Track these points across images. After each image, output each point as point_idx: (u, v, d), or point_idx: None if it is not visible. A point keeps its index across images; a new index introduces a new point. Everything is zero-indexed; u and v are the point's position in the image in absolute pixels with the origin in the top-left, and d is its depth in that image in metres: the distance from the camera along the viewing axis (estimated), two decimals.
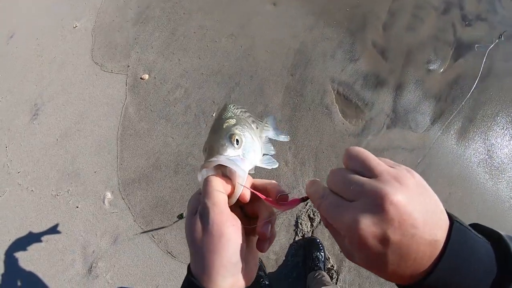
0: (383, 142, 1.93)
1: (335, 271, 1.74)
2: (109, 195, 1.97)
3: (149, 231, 1.85)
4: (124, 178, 1.95)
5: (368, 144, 1.92)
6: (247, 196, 0.37)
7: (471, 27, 2.31)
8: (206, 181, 0.35)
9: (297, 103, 1.92)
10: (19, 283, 1.97)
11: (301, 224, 1.78)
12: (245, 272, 0.35)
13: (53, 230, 2.03)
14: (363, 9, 2.22)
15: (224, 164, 0.36)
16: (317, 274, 1.69)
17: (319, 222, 1.81)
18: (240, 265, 0.34)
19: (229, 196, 0.36)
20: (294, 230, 1.78)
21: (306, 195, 0.37)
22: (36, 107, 2.28)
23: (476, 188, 1.82)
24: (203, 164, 0.36)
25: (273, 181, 0.40)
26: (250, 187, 0.38)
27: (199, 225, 0.34)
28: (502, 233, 0.32)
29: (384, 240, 0.28)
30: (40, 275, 1.97)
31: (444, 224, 0.30)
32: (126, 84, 2.12)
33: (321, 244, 1.74)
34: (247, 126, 0.42)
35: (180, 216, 1.82)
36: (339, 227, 0.31)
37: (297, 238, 1.78)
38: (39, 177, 2.14)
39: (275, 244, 1.78)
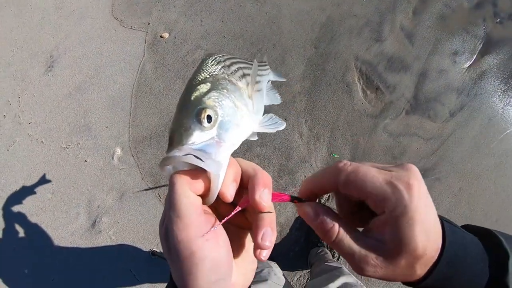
0: (400, 127, 1.90)
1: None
2: (118, 151, 1.96)
3: (155, 187, 1.84)
4: (136, 135, 1.93)
5: (385, 127, 1.88)
6: (228, 194, 0.28)
7: (502, 25, 2.23)
8: (170, 184, 0.27)
9: (318, 76, 1.87)
10: (21, 234, 1.99)
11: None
12: (237, 280, 0.29)
13: (60, 182, 2.03)
14: None
15: (186, 161, 0.26)
16: (320, 250, 1.68)
17: (327, 199, 1.79)
18: (227, 279, 0.28)
19: (204, 196, 0.28)
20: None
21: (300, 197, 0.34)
22: (52, 59, 2.25)
23: (487, 188, 1.79)
24: (161, 161, 0.27)
25: (258, 167, 0.31)
26: (238, 177, 0.29)
27: (164, 243, 0.27)
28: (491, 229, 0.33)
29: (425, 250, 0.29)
30: (43, 226, 1.99)
31: (439, 226, 0.31)
32: (145, 42, 2.08)
33: None
34: (228, 88, 0.29)
35: None
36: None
37: None
38: (49, 128, 2.13)
39: (280, 216, 1.77)
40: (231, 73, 0.32)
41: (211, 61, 0.32)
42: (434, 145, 1.88)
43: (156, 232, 1.81)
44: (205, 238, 0.26)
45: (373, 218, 0.31)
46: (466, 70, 2.06)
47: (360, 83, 1.92)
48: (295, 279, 1.72)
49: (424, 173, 1.80)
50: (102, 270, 1.83)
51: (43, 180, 2.06)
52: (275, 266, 1.35)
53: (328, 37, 1.95)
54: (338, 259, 1.74)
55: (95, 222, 1.93)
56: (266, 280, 1.19)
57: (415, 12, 2.15)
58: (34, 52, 2.31)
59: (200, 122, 0.26)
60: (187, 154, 0.26)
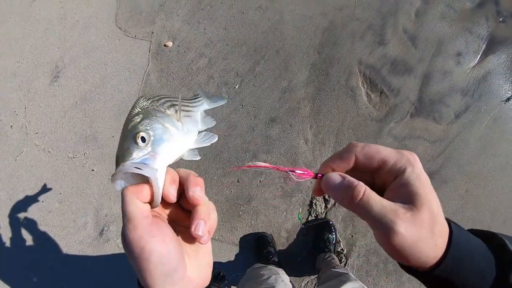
0: (405, 130, 1.89)
1: (344, 255, 1.73)
2: None
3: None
4: None
5: (390, 131, 1.88)
6: (170, 195, 0.33)
7: (505, 24, 2.22)
8: (121, 197, 0.32)
9: (321, 82, 1.88)
10: (30, 242, 2.01)
11: (315, 204, 1.76)
12: (192, 274, 0.34)
13: (68, 191, 2.05)
14: None
15: (129, 171, 0.31)
16: (327, 256, 1.68)
17: (334, 205, 1.79)
18: (179, 271, 0.32)
19: (151, 202, 0.32)
20: (308, 210, 1.77)
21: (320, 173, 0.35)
22: (57, 69, 2.28)
23: (494, 189, 1.78)
24: (111, 177, 0.33)
25: (191, 172, 0.35)
26: (176, 179, 0.34)
27: (124, 248, 0.32)
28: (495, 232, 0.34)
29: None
30: (51, 235, 2.01)
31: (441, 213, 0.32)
32: (149, 51, 2.09)
33: (333, 226, 1.73)
34: (158, 116, 0.36)
35: None
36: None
37: (310, 219, 1.77)
38: (56, 138, 2.15)
39: (287, 222, 1.78)
40: (159, 104, 0.39)
41: (141, 100, 0.39)
42: (439, 148, 1.87)
43: None
44: (151, 235, 0.30)
45: (388, 188, 0.33)
46: (470, 70, 2.05)
47: (364, 87, 1.92)
48: (302, 285, 1.72)
49: (430, 176, 1.78)
50: (110, 278, 1.84)
51: (51, 190, 2.08)
52: (282, 273, 1.36)
53: (331, 42, 1.95)
54: (345, 265, 1.74)
55: (103, 231, 1.94)
56: (273, 287, 1.20)
57: (418, 14, 2.14)
58: (39, 63, 2.34)
59: (136, 143, 0.33)
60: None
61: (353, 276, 1.28)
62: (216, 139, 0.41)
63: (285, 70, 1.89)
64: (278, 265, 1.62)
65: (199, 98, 0.49)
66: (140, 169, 0.31)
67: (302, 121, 1.83)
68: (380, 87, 1.94)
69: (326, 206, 1.79)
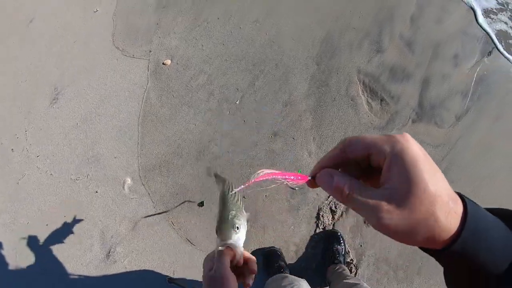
0: None
1: (354, 265, 1.72)
2: (129, 180, 1.96)
3: (160, 213, 1.84)
4: (145, 164, 1.94)
5: None
6: (241, 261, 0.60)
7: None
8: (219, 252, 0.57)
9: (322, 93, 1.88)
10: (35, 267, 1.98)
11: (322, 216, 1.76)
12: None
13: (72, 214, 2.03)
14: (391, 0, 2.17)
15: (227, 244, 0.58)
16: (337, 267, 1.67)
17: (341, 215, 1.78)
18: None
19: (232, 260, 0.58)
20: (315, 222, 1.76)
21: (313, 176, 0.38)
22: (56, 91, 2.28)
23: (499, 188, 1.78)
24: (219, 244, 0.59)
25: (253, 257, 0.63)
26: (243, 255, 0.61)
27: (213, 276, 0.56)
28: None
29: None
30: (57, 258, 1.99)
31: (447, 185, 0.31)
32: (148, 69, 2.09)
33: (342, 237, 1.72)
34: (242, 214, 0.63)
35: (201, 204, 1.80)
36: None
37: (318, 231, 1.76)
38: (58, 161, 2.14)
39: (295, 235, 1.77)
40: (237, 200, 0.65)
41: (230, 197, 0.65)
42: (443, 151, 1.88)
43: (172, 259, 1.81)
44: (231, 274, 0.57)
45: (382, 171, 0.32)
46: (469, 71, 2.06)
47: (364, 96, 1.92)
48: None
49: None
50: None
51: (54, 213, 2.06)
52: (303, 282, 1.35)
53: (329, 52, 1.95)
54: (355, 275, 1.73)
55: (109, 252, 1.92)
56: None
57: (413, 19, 2.16)
58: (38, 85, 2.34)
59: (234, 230, 0.59)
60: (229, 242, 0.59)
61: (365, 284, 1.27)
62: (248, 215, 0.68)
63: (285, 83, 1.89)
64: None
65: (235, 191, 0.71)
66: (238, 244, 0.58)
67: (304, 133, 1.82)
68: (380, 94, 1.94)
69: (333, 217, 1.78)
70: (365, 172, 0.36)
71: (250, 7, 2.17)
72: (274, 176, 0.38)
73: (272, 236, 1.75)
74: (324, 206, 1.78)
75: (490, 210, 0.33)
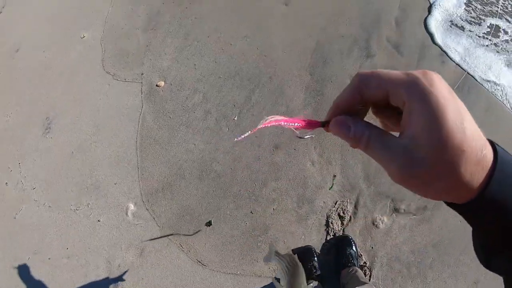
0: None
1: (367, 268, 1.73)
2: (132, 206, 1.93)
3: (168, 235, 1.81)
4: (147, 188, 1.91)
5: None
6: None
7: None
8: None
9: (318, 102, 1.90)
10: None
11: (331, 223, 1.77)
12: None
13: (75, 245, 1.98)
14: (375, 5, 2.23)
15: None
16: (351, 270, 1.68)
17: (349, 220, 1.79)
18: None
19: None
20: (325, 229, 1.76)
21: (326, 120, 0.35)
22: (48, 121, 2.23)
23: None
24: None
25: None
26: None
27: None
28: None
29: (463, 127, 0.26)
30: None
31: (479, 131, 0.27)
32: (142, 92, 2.08)
33: (353, 240, 1.73)
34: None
35: (208, 224, 1.79)
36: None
37: (328, 238, 1.77)
38: (56, 192, 2.09)
39: (307, 243, 1.77)
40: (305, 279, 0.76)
41: (301, 270, 0.71)
42: None
43: (184, 283, 1.78)
44: None
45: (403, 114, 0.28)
46: (455, 67, 2.13)
47: None
48: None
49: None
50: None
51: (56, 245, 2.00)
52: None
53: (320, 61, 1.99)
54: (370, 277, 1.74)
55: (117, 282, 1.87)
56: None
57: (397, 22, 2.22)
58: (29, 115, 2.29)
59: None
60: None
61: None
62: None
63: (281, 95, 1.91)
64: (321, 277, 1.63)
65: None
66: None
67: (305, 144, 1.84)
68: None
69: (342, 223, 1.79)
70: (384, 113, 0.33)
71: (239, 23, 2.19)
72: (283, 122, 0.33)
73: (283, 248, 1.74)
74: (332, 213, 1.79)
75: None
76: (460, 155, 0.25)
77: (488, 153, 0.27)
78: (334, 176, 1.79)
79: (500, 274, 0.30)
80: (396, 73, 0.29)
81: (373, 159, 0.31)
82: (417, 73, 0.27)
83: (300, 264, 0.58)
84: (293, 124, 0.33)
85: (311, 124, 0.34)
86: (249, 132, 0.34)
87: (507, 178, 0.27)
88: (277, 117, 0.33)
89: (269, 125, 0.33)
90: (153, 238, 1.86)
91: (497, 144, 0.28)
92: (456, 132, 0.25)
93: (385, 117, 0.34)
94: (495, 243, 0.30)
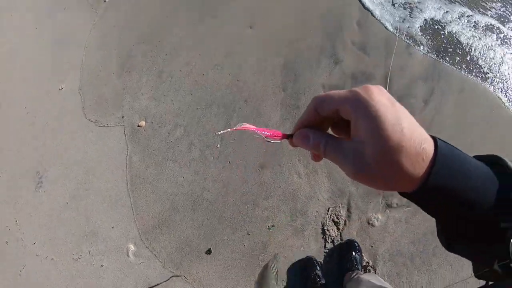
0: None
1: (371, 267, 1.75)
2: (132, 247, 1.95)
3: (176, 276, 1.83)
4: (144, 227, 1.94)
5: None
6: None
7: None
8: None
9: (295, 115, 1.96)
10: None
11: (328, 230, 1.80)
12: None
13: None
14: (336, 11, 2.30)
15: None
16: (354, 274, 1.70)
17: (344, 224, 1.82)
18: None
19: None
20: (323, 237, 1.79)
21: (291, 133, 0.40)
22: (39, 175, 2.27)
23: (484, 153, 1.85)
24: None
25: None
26: None
27: None
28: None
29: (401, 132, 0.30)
30: None
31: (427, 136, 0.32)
32: (125, 135, 2.13)
33: (358, 245, 1.74)
34: None
35: (208, 252, 1.82)
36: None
37: (327, 245, 1.79)
38: (56, 244, 2.11)
39: (308, 254, 1.79)
40: None
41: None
42: None
43: None
44: None
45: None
46: (423, 56, 2.19)
47: None
48: None
49: None
50: None
51: None
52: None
53: (291, 76, 2.05)
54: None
55: None
56: None
57: (359, 24, 2.30)
58: (19, 173, 2.32)
59: None
60: None
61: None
62: None
63: (259, 115, 1.97)
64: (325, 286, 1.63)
65: None
66: None
67: (289, 158, 1.89)
68: None
69: (338, 228, 1.82)
70: (339, 124, 0.38)
71: (208, 53, 2.26)
72: (255, 130, 0.39)
73: (285, 262, 1.77)
74: (326, 220, 1.82)
75: (478, 157, 0.35)
76: (400, 150, 0.30)
77: (427, 147, 0.31)
78: (273, 226, 1.82)
79: (462, 256, 0.36)
80: (342, 92, 0.34)
81: (332, 162, 0.35)
82: (359, 89, 0.32)
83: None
84: (263, 132, 0.39)
85: (278, 135, 0.40)
86: (229, 129, 0.40)
87: (447, 168, 0.31)
88: (250, 126, 0.39)
89: (244, 129, 0.39)
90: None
91: (440, 139, 0.32)
92: (395, 132, 0.29)
93: (340, 130, 0.40)
94: (450, 230, 0.35)
